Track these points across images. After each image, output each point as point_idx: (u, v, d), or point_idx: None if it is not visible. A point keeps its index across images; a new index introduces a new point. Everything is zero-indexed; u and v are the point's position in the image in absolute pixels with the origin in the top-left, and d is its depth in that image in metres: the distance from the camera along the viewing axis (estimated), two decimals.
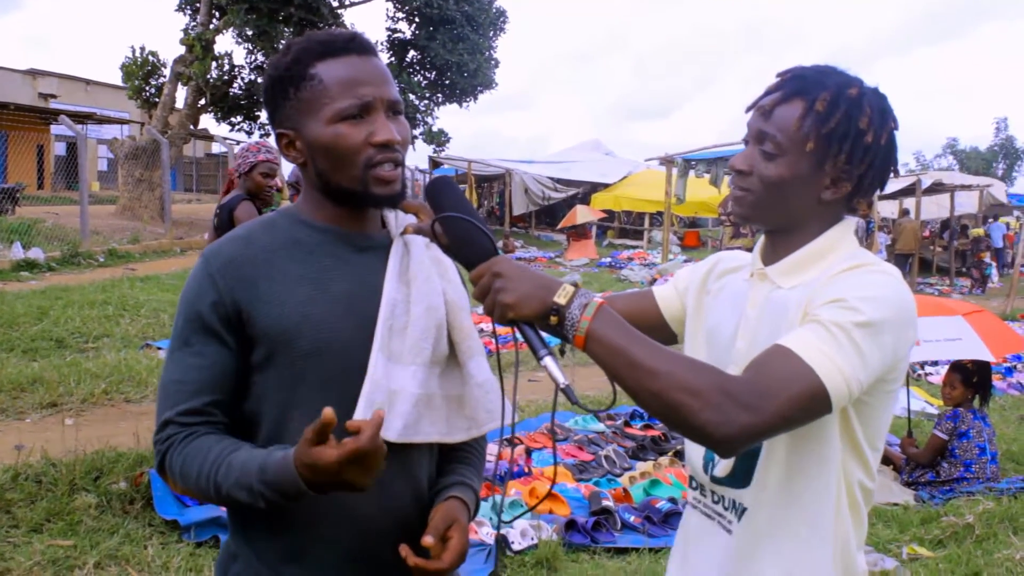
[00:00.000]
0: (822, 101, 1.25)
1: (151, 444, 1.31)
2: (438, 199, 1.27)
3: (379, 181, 1.29)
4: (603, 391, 5.87)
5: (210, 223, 4.63)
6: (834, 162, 1.27)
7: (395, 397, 1.27)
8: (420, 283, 1.33)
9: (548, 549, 3.70)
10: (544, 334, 1.20)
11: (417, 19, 23.20)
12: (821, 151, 1.26)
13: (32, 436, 4.46)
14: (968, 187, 21.88)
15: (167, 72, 18.24)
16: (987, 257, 20.07)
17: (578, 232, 20.84)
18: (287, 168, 7.49)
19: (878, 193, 1.36)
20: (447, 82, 24.08)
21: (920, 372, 8.21)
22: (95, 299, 8.37)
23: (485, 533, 3.83)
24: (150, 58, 18.83)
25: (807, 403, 1.12)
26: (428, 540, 1.23)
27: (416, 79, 23.79)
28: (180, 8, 19.84)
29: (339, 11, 19.80)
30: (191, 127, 19.23)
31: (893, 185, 16.57)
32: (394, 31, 24.05)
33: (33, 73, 27.88)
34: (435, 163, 25.06)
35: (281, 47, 1.35)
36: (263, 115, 17.05)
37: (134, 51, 18.74)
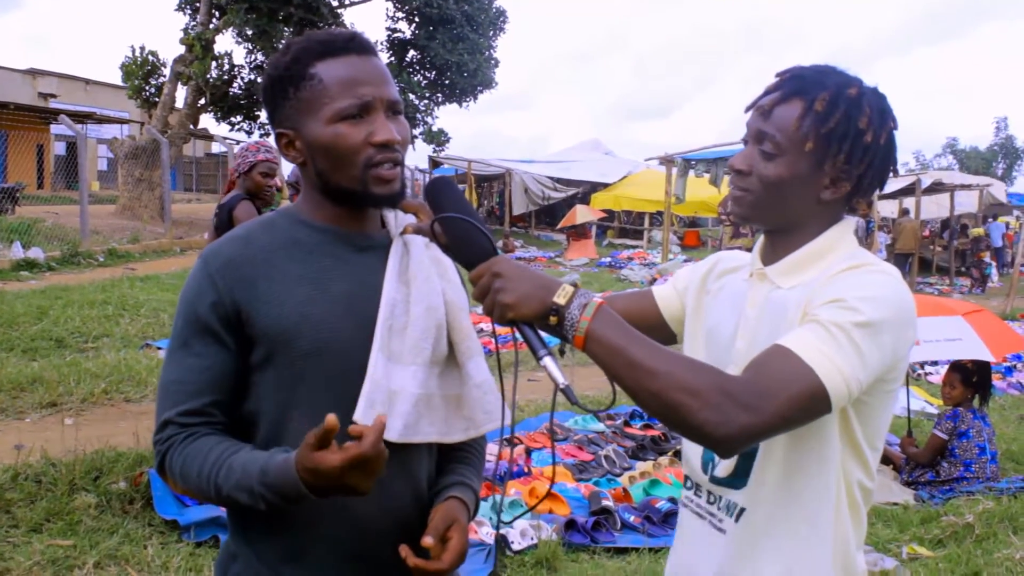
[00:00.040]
0: (821, 101, 1.25)
1: (151, 444, 1.31)
2: (438, 199, 1.27)
3: (379, 181, 1.28)
4: (603, 391, 5.87)
5: (210, 223, 4.64)
6: (833, 162, 1.27)
7: (395, 397, 1.27)
8: (420, 283, 1.33)
9: (548, 549, 3.70)
10: (544, 334, 1.20)
11: (417, 19, 23.21)
12: (820, 151, 1.26)
13: (32, 436, 4.45)
14: (968, 187, 21.88)
15: (167, 72, 18.25)
16: (987, 257, 20.08)
17: (578, 232, 20.84)
18: (287, 168, 7.49)
19: (878, 193, 1.36)
20: (447, 82, 24.09)
21: (920, 372, 8.21)
22: (95, 299, 8.37)
23: (485, 533, 3.83)
24: (150, 58, 18.84)
25: (807, 403, 1.12)
26: (428, 541, 1.23)
27: (416, 79, 23.80)
28: (180, 8, 19.84)
29: (339, 11, 19.81)
30: (191, 127, 19.24)
31: (893, 185, 16.57)
32: (394, 31, 24.06)
33: (33, 73, 27.86)
34: (435, 163, 25.05)
35: (281, 47, 1.35)
36: (263, 115, 17.09)
37: (134, 51, 18.76)
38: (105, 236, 13.53)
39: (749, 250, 1.47)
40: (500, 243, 19.19)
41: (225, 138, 20.84)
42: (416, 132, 23.72)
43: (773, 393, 1.10)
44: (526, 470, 4.70)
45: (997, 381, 7.65)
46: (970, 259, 20.67)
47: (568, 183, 24.79)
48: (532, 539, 3.81)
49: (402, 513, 1.33)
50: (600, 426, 5.71)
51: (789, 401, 1.10)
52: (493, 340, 1.29)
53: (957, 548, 3.89)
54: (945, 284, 19.20)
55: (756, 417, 1.09)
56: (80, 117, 18.50)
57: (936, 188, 20.32)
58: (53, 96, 27.05)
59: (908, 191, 18.57)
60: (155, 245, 13.94)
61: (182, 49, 17.59)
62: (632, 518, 4.18)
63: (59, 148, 24.75)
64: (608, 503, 4.26)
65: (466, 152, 25.46)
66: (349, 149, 1.26)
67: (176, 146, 17.87)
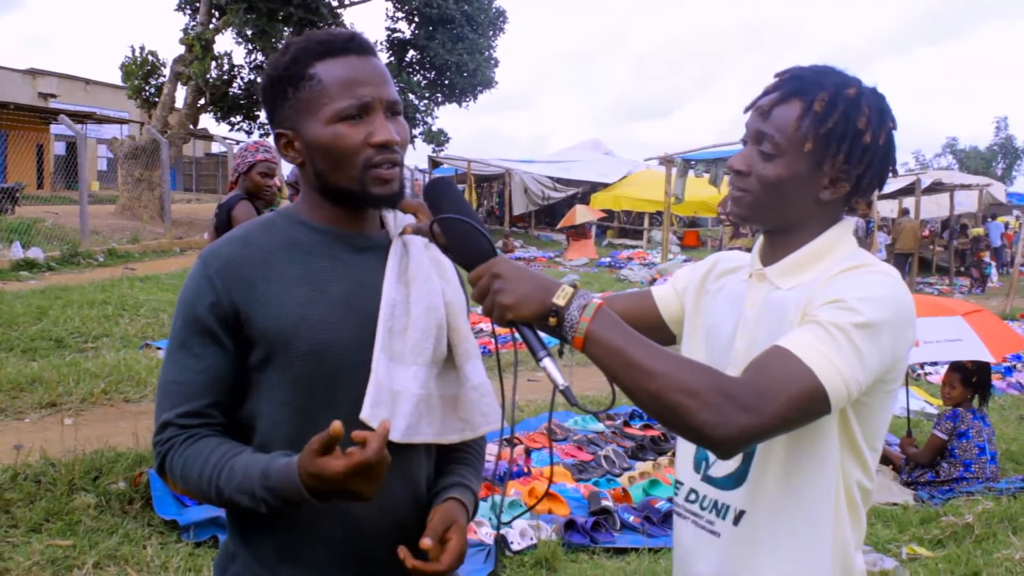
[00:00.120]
0: (820, 101, 1.25)
1: (150, 444, 1.31)
2: (437, 200, 1.27)
3: (378, 181, 1.28)
4: (602, 391, 5.87)
5: (210, 223, 4.64)
6: (832, 162, 1.27)
7: (398, 397, 1.27)
8: (419, 283, 1.33)
9: (547, 549, 3.70)
10: (543, 335, 1.20)
11: (417, 19, 23.21)
12: (819, 151, 1.26)
13: (31, 436, 4.45)
14: (968, 186, 21.89)
15: (167, 72, 18.24)
16: (987, 256, 20.09)
17: (578, 232, 20.85)
18: (287, 168, 7.49)
19: (877, 193, 1.36)
20: (447, 82, 24.08)
21: (920, 372, 8.21)
22: (94, 299, 8.37)
23: (484, 533, 3.82)
24: (150, 58, 18.82)
25: (806, 404, 1.12)
26: (426, 542, 1.23)
27: (416, 79, 23.80)
28: (180, 8, 19.84)
29: (338, 11, 19.80)
30: (191, 127, 19.23)
31: (893, 185, 16.59)
32: (394, 31, 24.06)
33: (33, 73, 27.85)
34: (435, 163, 25.05)
35: (280, 47, 1.35)
36: (263, 115, 17.00)
37: (134, 51, 18.75)
38: (105, 236, 13.53)
39: (749, 250, 1.46)
40: (500, 243, 19.20)
41: (225, 138, 20.85)
42: (416, 132, 23.72)
43: (772, 394, 1.10)
44: (526, 470, 4.70)
45: (997, 381, 7.65)
46: (970, 259, 20.67)
47: (568, 183, 24.79)
48: (531, 539, 3.81)
49: (401, 514, 1.33)
50: (600, 426, 5.71)
51: (788, 402, 1.10)
52: (493, 340, 1.29)
53: (957, 548, 3.89)
54: (945, 284, 19.20)
55: (755, 418, 1.09)
56: (80, 117, 18.51)
57: (936, 188, 20.33)
58: (53, 96, 27.05)
59: (908, 191, 18.57)
60: (155, 245, 13.94)
61: (182, 49, 17.59)
62: (631, 518, 4.18)
63: (59, 148, 24.74)
64: (608, 503, 4.26)
65: (466, 152, 25.46)
66: (348, 149, 1.26)
67: (176, 146, 17.87)
